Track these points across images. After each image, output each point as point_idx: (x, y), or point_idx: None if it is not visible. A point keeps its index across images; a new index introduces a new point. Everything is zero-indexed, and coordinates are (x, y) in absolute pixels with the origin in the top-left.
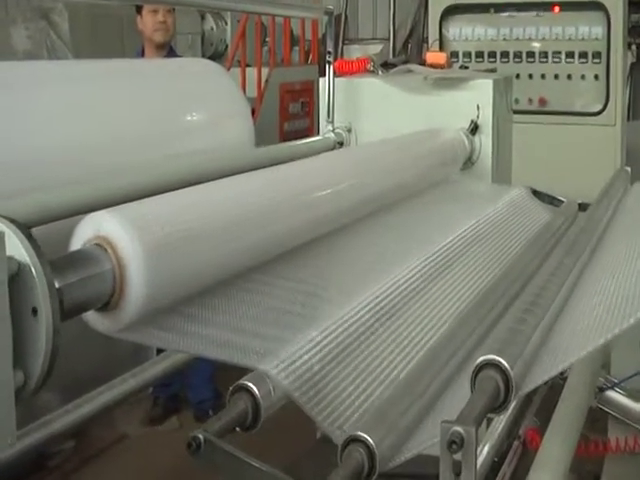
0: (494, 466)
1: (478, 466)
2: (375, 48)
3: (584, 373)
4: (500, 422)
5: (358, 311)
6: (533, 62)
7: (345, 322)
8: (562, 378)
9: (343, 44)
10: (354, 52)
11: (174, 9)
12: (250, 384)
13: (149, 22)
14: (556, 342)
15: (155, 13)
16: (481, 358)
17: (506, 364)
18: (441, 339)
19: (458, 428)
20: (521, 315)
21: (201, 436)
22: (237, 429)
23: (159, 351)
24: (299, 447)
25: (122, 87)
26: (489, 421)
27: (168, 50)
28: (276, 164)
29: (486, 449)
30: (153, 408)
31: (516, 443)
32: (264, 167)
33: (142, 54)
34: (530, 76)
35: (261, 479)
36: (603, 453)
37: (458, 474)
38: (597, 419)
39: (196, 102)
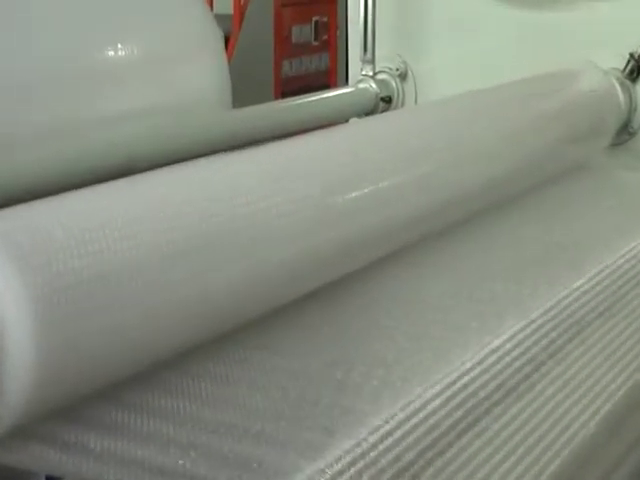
0: None
1: None
2: None
3: None
4: None
5: (416, 422)
6: None
7: (391, 437)
8: None
9: None
10: None
11: None
12: None
13: None
14: None
15: None
16: None
17: None
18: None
19: None
20: None
21: None
22: None
23: None
24: None
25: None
26: None
27: None
28: (270, 139)
29: None
30: None
31: None
32: (248, 145)
33: None
34: None
35: None
36: None
37: None
38: None
39: (130, 26)
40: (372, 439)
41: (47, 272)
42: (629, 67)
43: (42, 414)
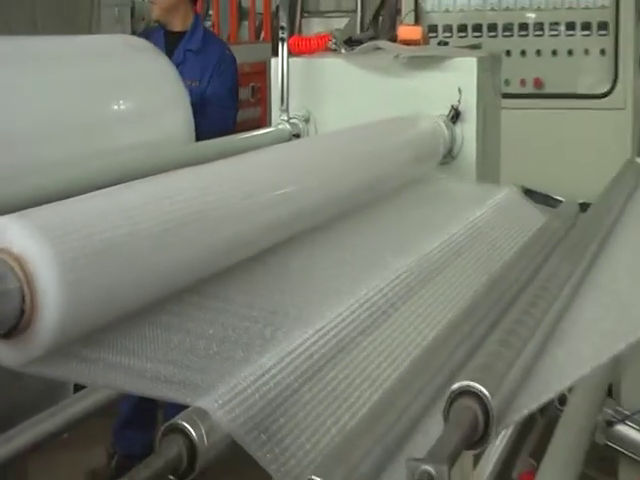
0: None
1: None
2: (340, 22)
3: (585, 402)
4: (489, 464)
5: (314, 338)
6: (526, 36)
7: (299, 350)
8: (561, 409)
9: (302, 17)
10: (315, 26)
11: None
12: (185, 423)
13: None
14: (548, 365)
15: None
16: (456, 385)
17: (485, 391)
18: (412, 367)
19: (427, 467)
20: (506, 335)
21: None
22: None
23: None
24: None
25: (27, 71)
26: (476, 462)
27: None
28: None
29: None
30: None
31: None
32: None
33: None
34: (523, 53)
35: None
36: None
37: None
38: (606, 458)
39: (123, 88)
40: None
41: (69, 244)
42: (451, 114)
43: (71, 339)
